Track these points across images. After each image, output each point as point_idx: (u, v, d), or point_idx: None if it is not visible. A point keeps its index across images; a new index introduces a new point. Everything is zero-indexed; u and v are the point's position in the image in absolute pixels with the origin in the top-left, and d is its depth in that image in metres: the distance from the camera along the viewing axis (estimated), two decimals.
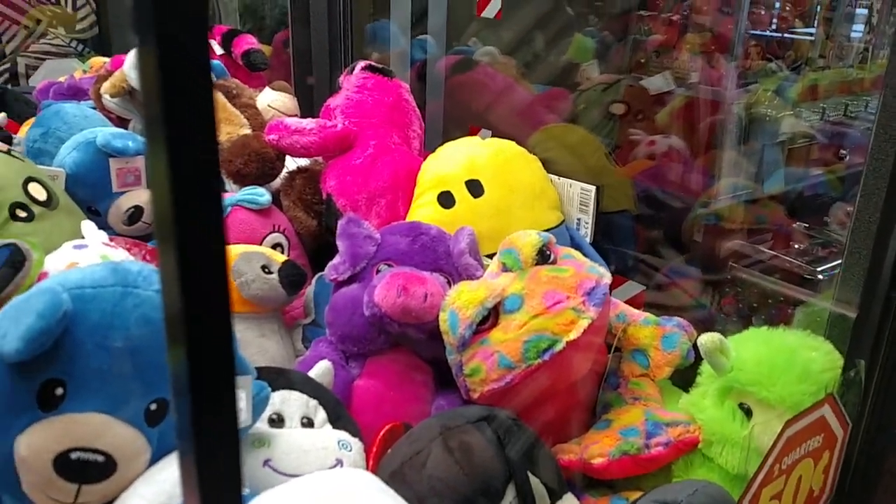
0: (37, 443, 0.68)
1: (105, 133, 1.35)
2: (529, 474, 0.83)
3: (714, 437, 0.96)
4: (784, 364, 0.93)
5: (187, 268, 0.36)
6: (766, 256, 1.65)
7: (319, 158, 1.46)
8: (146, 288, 0.73)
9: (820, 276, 1.52)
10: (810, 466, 0.88)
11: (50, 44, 2.65)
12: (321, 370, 1.00)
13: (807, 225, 1.73)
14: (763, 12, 2.14)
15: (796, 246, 1.70)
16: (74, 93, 1.93)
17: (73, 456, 0.69)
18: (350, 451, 0.87)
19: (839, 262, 1.46)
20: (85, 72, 2.12)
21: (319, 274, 1.30)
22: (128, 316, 0.71)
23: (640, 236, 1.47)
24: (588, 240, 1.30)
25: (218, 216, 0.37)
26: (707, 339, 0.95)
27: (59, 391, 0.69)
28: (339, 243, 1.15)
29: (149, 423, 0.73)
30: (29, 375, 0.69)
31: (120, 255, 1.13)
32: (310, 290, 1.31)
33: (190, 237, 0.36)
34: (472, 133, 1.76)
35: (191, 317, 0.36)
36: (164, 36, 0.33)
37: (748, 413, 0.96)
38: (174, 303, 0.36)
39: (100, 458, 0.69)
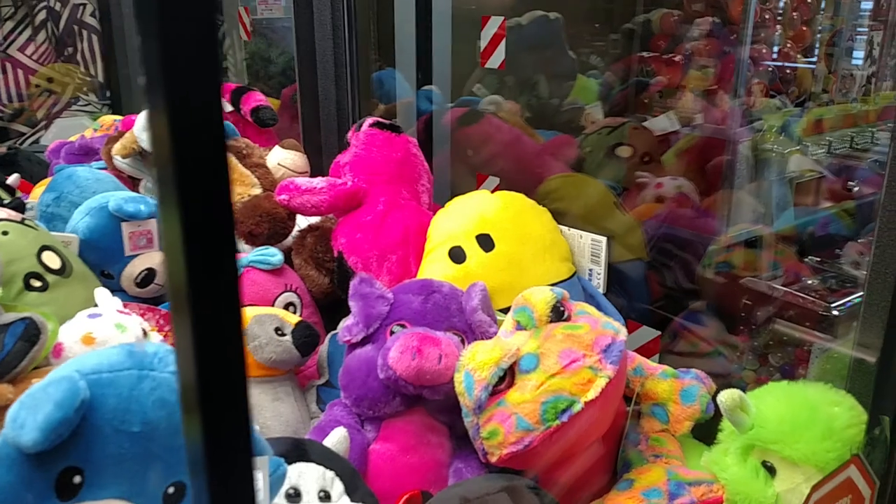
0: None
1: (117, 198, 1.36)
2: None
3: (738, 496, 0.94)
4: (806, 421, 0.92)
5: (203, 337, 0.34)
6: (779, 294, 1.63)
7: (331, 215, 1.47)
8: (162, 370, 0.73)
9: (835, 312, 1.51)
10: None
11: (82, 110, 2.81)
12: (336, 438, 0.99)
13: (819, 259, 1.71)
14: (764, 49, 2.16)
15: (809, 281, 1.68)
16: (86, 152, 1.96)
17: None
18: None
19: (854, 296, 1.44)
20: (95, 130, 2.15)
21: (333, 333, 1.30)
22: (145, 400, 0.71)
23: (653, 283, 1.46)
24: (601, 290, 1.29)
25: (234, 283, 0.35)
26: (727, 397, 0.94)
27: (77, 479, 0.68)
28: (352, 304, 1.15)
29: None
30: (46, 465, 0.68)
31: (134, 321, 1.13)
32: (323, 349, 1.30)
33: (205, 304, 0.34)
34: (480, 181, 1.77)
35: (207, 388, 0.35)
36: (176, 99, 0.32)
37: (771, 471, 0.94)
38: (189, 373, 0.35)
39: None
